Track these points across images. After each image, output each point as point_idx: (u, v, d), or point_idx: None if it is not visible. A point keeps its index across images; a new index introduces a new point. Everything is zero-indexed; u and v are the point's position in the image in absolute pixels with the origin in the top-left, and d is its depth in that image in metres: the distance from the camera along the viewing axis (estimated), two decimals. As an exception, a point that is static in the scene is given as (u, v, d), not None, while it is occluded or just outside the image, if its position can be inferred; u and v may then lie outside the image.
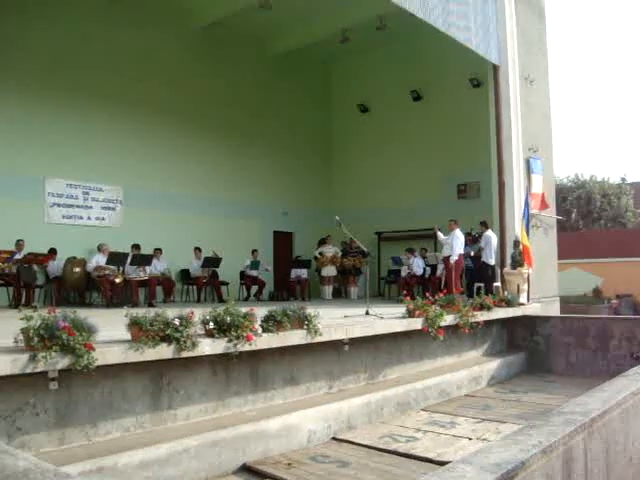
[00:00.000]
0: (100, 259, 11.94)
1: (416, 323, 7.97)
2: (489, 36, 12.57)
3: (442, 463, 5.79)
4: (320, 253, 16.18)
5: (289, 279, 15.80)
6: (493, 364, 10.09)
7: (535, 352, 11.39)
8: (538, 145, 13.81)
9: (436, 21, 10.92)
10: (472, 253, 12.93)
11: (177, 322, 4.79)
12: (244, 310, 5.47)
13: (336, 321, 7.60)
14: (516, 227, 12.29)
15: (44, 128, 12.90)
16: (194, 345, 4.91)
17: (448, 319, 8.46)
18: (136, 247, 12.78)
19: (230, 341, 5.24)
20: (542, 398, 8.82)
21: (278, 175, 17.78)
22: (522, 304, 11.07)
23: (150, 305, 11.14)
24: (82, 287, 12.33)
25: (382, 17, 15.30)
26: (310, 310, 6.22)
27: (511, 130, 12.64)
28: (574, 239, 21.01)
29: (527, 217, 11.47)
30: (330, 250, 16.07)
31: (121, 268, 11.93)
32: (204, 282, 13.90)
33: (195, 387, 5.58)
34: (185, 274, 14.59)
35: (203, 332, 5.35)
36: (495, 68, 12.86)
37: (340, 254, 16.18)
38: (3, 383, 4.18)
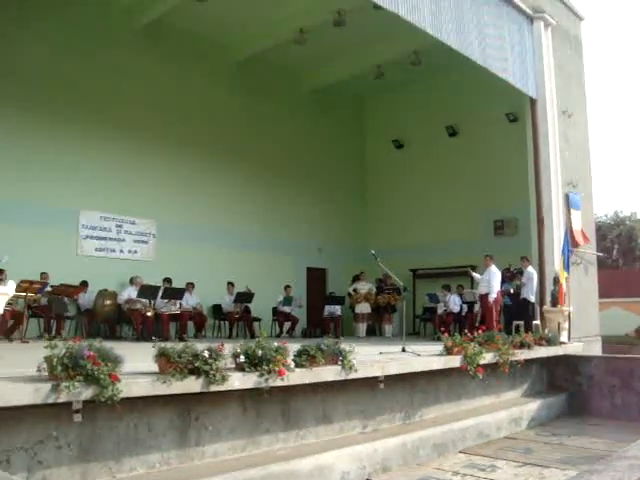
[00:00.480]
0: (132, 292, 11.87)
1: (454, 361, 7.65)
2: (526, 69, 12.41)
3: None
4: (354, 290, 15.93)
5: (322, 316, 15.54)
6: (533, 405, 9.66)
7: (577, 393, 10.90)
8: (577, 180, 13.50)
9: (473, 54, 10.80)
10: (511, 290, 12.53)
11: (206, 354, 4.60)
12: (276, 344, 5.26)
13: (371, 358, 7.32)
14: (555, 264, 11.93)
15: (77, 160, 13.03)
16: (224, 379, 4.70)
17: (487, 357, 8.12)
18: (168, 281, 12.71)
19: (261, 375, 5.02)
20: (586, 442, 8.39)
21: (312, 211, 17.69)
22: (563, 343, 10.65)
23: (181, 339, 10.98)
24: (113, 320, 12.25)
25: (417, 52, 15.27)
26: (345, 345, 5.98)
27: (549, 165, 12.37)
28: (614, 277, 20.40)
29: (567, 253, 11.12)
30: (364, 287, 15.81)
31: (152, 302, 11.81)
32: (236, 317, 13.72)
33: (224, 423, 5.36)
34: (217, 309, 14.44)
35: (233, 366, 5.14)
36: (532, 102, 12.66)
37: (375, 291, 15.91)
38: (25, 413, 4.03)
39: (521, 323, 11.42)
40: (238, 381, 4.91)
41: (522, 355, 8.94)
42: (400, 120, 18.73)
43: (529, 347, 9.16)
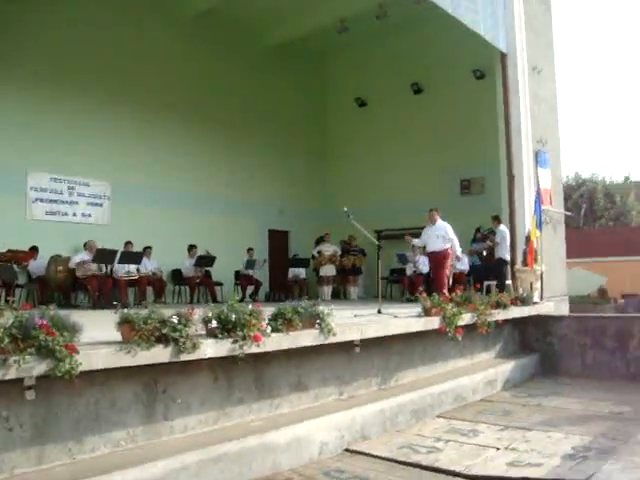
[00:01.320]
0: (85, 257, 11.20)
1: (433, 322, 7.33)
2: (497, 22, 11.97)
3: (472, 477, 5.20)
4: (318, 252, 15.50)
5: (286, 279, 15.11)
6: (507, 366, 9.47)
7: (549, 353, 10.76)
8: (546, 138, 13.23)
9: (443, 2, 10.31)
10: (484, 252, 12.23)
11: (175, 320, 4.11)
12: (250, 307, 4.79)
13: (346, 321, 6.92)
14: (526, 222, 11.69)
15: (27, 118, 12.17)
16: (195, 347, 4.23)
17: (465, 318, 7.81)
18: (129, 244, 12.04)
19: (235, 342, 4.57)
20: (564, 402, 8.23)
21: (273, 172, 17.12)
22: (535, 303, 10.45)
23: (140, 306, 10.41)
24: (67, 287, 11.59)
25: (383, 4, 14.67)
26: (321, 308, 5.55)
27: (520, 121, 12.04)
28: (577, 238, 20.41)
29: (539, 212, 10.86)
30: (329, 249, 15.39)
31: (109, 267, 11.18)
32: (197, 282, 13.19)
33: (194, 395, 4.91)
34: (176, 274, 13.87)
35: (204, 332, 4.66)
36: (503, 56, 12.25)
37: (339, 253, 15.51)
38: (-33, 393, 3.51)
39: (492, 283, 11.21)
40: (210, 349, 4.44)
41: (499, 315, 8.68)
42: (363, 77, 18.13)
43: (505, 307, 8.90)
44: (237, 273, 14.61)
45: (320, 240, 15.98)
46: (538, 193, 11.13)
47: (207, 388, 5.02)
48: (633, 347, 10.20)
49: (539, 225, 10.81)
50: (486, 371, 8.83)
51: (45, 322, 3.50)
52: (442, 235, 10.83)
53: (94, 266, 10.92)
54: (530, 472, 5.18)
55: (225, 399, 5.20)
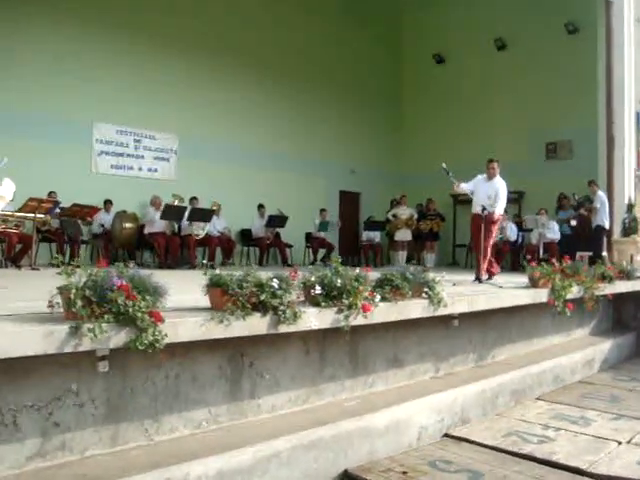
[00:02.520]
0: (153, 214, 10.71)
1: (541, 295, 6.52)
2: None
3: (600, 477, 4.46)
4: (394, 215, 14.67)
5: (360, 242, 14.39)
6: (605, 345, 8.60)
7: (647, 333, 9.86)
8: (648, 97, 12.02)
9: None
10: (573, 222, 11.16)
11: (275, 284, 3.44)
12: (357, 271, 4.09)
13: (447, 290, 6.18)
14: (626, 189, 10.64)
15: (95, 68, 11.70)
16: (296, 316, 3.56)
17: (574, 291, 6.97)
18: (195, 200, 11.50)
19: (340, 311, 3.89)
20: (674, 389, 7.35)
21: (344, 130, 16.30)
22: (638, 277, 9.47)
23: (211, 267, 9.88)
24: (132, 245, 11.16)
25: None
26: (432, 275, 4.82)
27: (624, 78, 10.89)
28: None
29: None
30: (405, 212, 14.53)
31: (177, 225, 10.67)
32: (268, 243, 12.59)
33: (284, 370, 4.28)
34: (245, 234, 13.31)
35: (302, 299, 3.99)
36: (608, 5, 11.05)
37: (416, 217, 14.67)
38: (33, 363, 2.92)
39: (586, 254, 10.26)
40: (314, 319, 3.76)
41: (606, 289, 7.79)
42: (442, 32, 16.98)
43: (611, 280, 7.98)
44: (308, 235, 13.97)
45: (395, 203, 15.17)
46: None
47: (298, 362, 4.39)
48: None
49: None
50: (584, 350, 8.03)
51: (124, 283, 2.87)
52: (495, 195, 8.78)
53: (162, 223, 10.42)
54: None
55: (317, 375, 4.56)
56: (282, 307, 3.47)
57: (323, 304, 3.86)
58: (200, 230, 10.75)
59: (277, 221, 12.73)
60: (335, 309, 3.91)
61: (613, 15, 11.03)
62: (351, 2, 16.39)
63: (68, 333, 2.75)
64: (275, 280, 3.49)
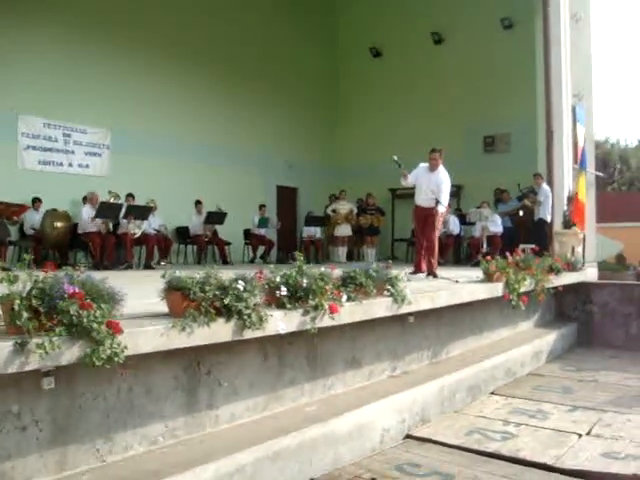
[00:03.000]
0: (89, 212, 10.14)
1: (497, 289, 6.44)
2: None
3: (570, 473, 4.37)
4: (333, 210, 14.48)
5: (296, 239, 14.13)
6: (551, 337, 8.69)
7: (588, 323, 10.01)
8: (583, 93, 12.22)
9: None
10: (521, 213, 11.19)
11: (241, 286, 3.15)
12: (322, 269, 3.83)
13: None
14: (565, 182, 10.77)
15: (17, 55, 10.95)
16: (261, 320, 3.27)
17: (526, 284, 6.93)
18: (131, 197, 10.98)
19: (306, 313, 3.62)
20: (621, 378, 7.46)
21: (282, 124, 15.97)
22: (580, 269, 9.60)
23: (148, 267, 9.45)
24: (65, 245, 10.56)
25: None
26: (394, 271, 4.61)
27: (561, 73, 11.00)
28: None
29: (587, 168, 9.94)
30: (345, 207, 14.36)
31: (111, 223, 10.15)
32: (206, 241, 12.17)
33: (242, 376, 3.99)
34: (181, 232, 12.84)
35: (263, 301, 3.70)
36: (545, 1, 11.13)
37: (356, 211, 14.52)
38: (-33, 383, 2.55)
39: (528, 247, 10.31)
40: (282, 322, 3.48)
41: (556, 281, 7.81)
42: (379, 25, 16.81)
43: (558, 272, 8.01)
44: (247, 232, 13.61)
45: (334, 198, 14.99)
46: (584, 148, 10.16)
47: (256, 367, 4.11)
48: (682, 317, 9.47)
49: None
50: (532, 342, 8.07)
51: (77, 290, 2.51)
52: (437, 187, 8.41)
53: (98, 222, 9.88)
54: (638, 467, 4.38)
55: (276, 380, 4.30)
56: (247, 311, 3.18)
57: (289, 306, 3.59)
58: (137, 229, 10.26)
59: (216, 218, 12.33)
60: (301, 311, 3.65)
61: (550, 11, 11.12)
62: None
63: (12, 351, 2.37)
64: (240, 282, 3.19)
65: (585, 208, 9.92)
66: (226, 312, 3.18)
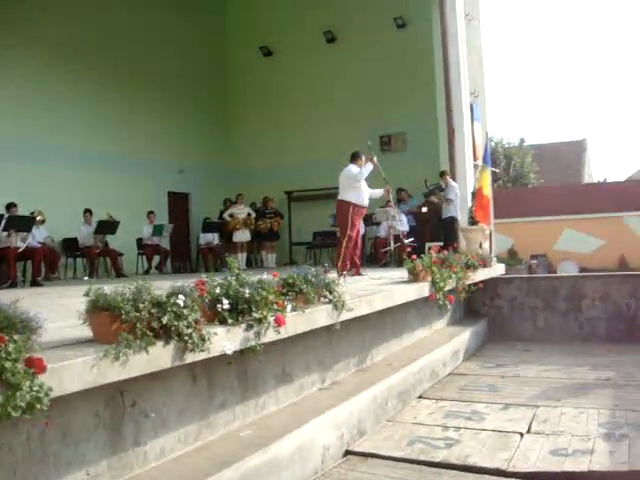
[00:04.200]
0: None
1: (424, 289, 6.18)
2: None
3: (522, 475, 4.15)
4: (230, 215, 13.88)
5: (198, 246, 13.43)
6: (466, 335, 8.64)
7: (497, 318, 10.11)
8: (478, 90, 12.40)
9: None
10: (424, 209, 11.12)
11: (181, 302, 2.61)
12: (261, 277, 3.33)
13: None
14: (468, 179, 10.83)
15: None
16: (204, 340, 2.74)
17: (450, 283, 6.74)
18: (13, 207, 9.87)
19: (250, 328, 3.12)
20: (541, 371, 7.55)
21: (170, 128, 15.19)
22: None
23: (35, 284, 8.51)
24: None
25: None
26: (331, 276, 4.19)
27: (460, 71, 11.06)
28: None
29: (490, 164, 9.99)
30: (243, 211, 13.80)
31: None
32: (97, 252, 11.23)
33: (170, 405, 3.43)
34: (69, 244, 11.81)
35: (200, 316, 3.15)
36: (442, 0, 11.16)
37: (254, 215, 14.00)
38: None
39: (434, 245, 10.28)
40: (227, 342, 2.95)
41: (475, 278, 7.70)
42: (268, 23, 16.41)
43: (475, 269, 7.92)
44: (140, 241, 12.76)
45: (230, 203, 14.41)
46: (487, 144, 10.22)
47: (185, 392, 3.55)
48: (586, 307, 9.73)
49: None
50: (451, 341, 7.97)
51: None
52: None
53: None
54: (592, 462, 4.26)
55: (206, 404, 3.76)
56: (188, 330, 2.64)
57: (230, 321, 3.07)
58: (20, 242, 9.22)
59: (107, 227, 11.44)
60: (243, 326, 3.14)
61: (447, 9, 11.16)
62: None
63: None
64: (180, 296, 2.65)
65: (490, 203, 9.94)
66: (163, 333, 2.63)
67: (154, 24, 14.92)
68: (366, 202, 8.57)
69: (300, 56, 15.96)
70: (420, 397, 6.37)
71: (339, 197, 8.59)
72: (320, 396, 5.04)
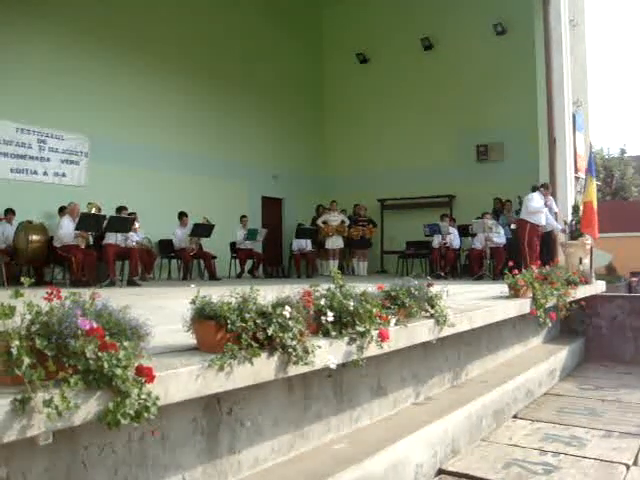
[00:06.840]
0: (69, 224, 9.40)
1: (525, 305, 5.93)
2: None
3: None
4: (324, 222, 13.89)
5: (291, 251, 13.51)
6: (563, 354, 8.23)
7: (596, 337, 9.60)
8: (581, 100, 11.87)
9: None
10: (514, 226, 10.73)
11: (287, 312, 2.56)
12: (362, 290, 3.24)
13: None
14: (568, 192, 10.38)
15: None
16: (307, 353, 2.68)
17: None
18: (123, 209, 10.24)
19: (352, 341, 3.04)
20: (646, 397, 7.01)
21: (266, 133, 15.45)
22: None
23: (132, 283, 8.75)
24: (41, 261, 9.81)
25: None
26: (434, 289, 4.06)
27: (563, 78, 10.62)
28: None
29: (594, 175, 9.52)
30: (336, 218, 13.78)
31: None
32: (192, 255, 11.47)
33: (266, 413, 3.39)
34: (165, 245, 12.13)
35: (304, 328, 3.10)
36: (546, 3, 10.74)
37: (348, 223, 13.96)
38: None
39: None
40: (331, 355, 2.88)
41: (575, 295, 7.34)
42: (365, 30, 16.42)
43: (575, 285, 7.55)
44: (233, 245, 12.96)
45: (323, 209, 14.42)
46: (591, 156, 9.75)
47: (281, 402, 3.51)
48: (694, 329, 9.11)
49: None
50: (548, 360, 7.60)
51: (95, 325, 1.90)
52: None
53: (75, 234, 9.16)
54: None
55: (301, 415, 3.70)
56: (292, 342, 2.59)
57: (333, 333, 3.00)
58: (120, 242, 9.53)
59: (202, 230, 11.67)
60: (346, 339, 3.06)
61: (551, 14, 10.75)
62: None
63: (10, 411, 1.73)
64: (287, 307, 2.60)
65: (595, 215, 9.46)
66: (268, 344, 2.59)
67: (251, 32, 15.19)
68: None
69: (396, 63, 15.86)
70: (515, 417, 6.11)
71: None
72: (414, 411, 4.91)
